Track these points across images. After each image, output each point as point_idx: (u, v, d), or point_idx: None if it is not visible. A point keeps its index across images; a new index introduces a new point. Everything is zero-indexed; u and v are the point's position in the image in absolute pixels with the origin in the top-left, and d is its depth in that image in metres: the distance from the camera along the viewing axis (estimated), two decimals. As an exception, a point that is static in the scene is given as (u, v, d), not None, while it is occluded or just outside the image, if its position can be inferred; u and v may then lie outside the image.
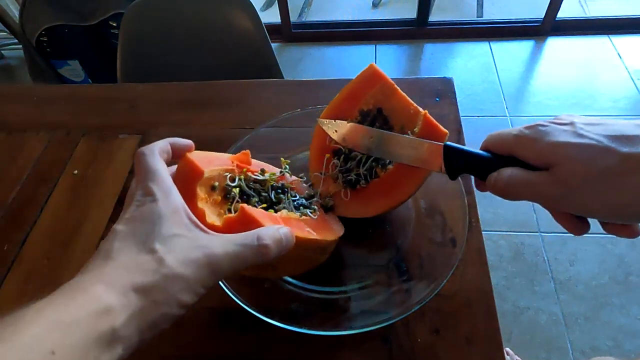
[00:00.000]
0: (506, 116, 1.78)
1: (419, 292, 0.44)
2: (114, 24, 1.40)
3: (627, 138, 0.29)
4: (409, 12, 2.19)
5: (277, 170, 0.48)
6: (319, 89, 0.75)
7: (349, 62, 2.12)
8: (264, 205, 0.41)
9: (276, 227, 0.33)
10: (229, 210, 0.39)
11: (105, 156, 0.66)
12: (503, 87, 1.90)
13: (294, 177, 0.50)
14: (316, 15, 2.43)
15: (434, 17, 2.18)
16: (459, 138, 0.63)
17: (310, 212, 0.45)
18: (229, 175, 0.41)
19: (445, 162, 0.40)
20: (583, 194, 0.30)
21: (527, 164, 0.33)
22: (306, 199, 0.47)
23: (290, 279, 0.49)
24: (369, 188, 0.48)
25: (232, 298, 0.43)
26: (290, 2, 2.09)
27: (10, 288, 0.52)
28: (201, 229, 0.31)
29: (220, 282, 0.43)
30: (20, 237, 0.57)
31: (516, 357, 1.10)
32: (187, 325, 0.47)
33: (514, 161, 0.34)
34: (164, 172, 0.32)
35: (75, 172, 0.65)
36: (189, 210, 0.32)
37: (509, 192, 0.34)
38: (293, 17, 2.21)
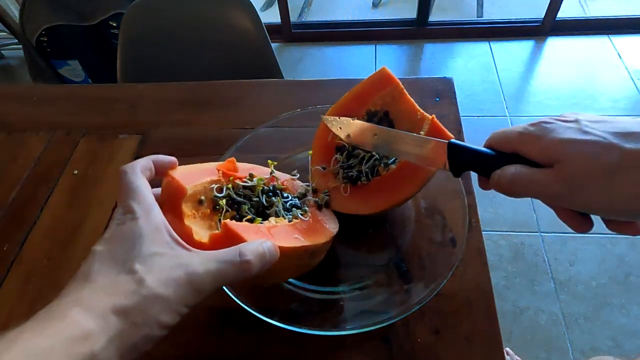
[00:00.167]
0: (506, 116, 1.78)
1: (419, 292, 0.44)
2: (114, 24, 1.40)
3: (631, 134, 0.29)
4: (409, 12, 2.19)
5: (267, 171, 0.47)
6: (319, 89, 0.75)
7: (349, 62, 2.12)
8: (251, 217, 0.41)
9: (259, 242, 0.33)
10: (220, 221, 0.39)
11: (105, 156, 0.66)
12: (503, 87, 1.90)
13: (285, 176, 0.50)
14: (316, 15, 2.43)
15: (434, 17, 2.18)
16: (459, 138, 0.63)
17: (301, 214, 0.44)
18: (215, 187, 0.41)
19: (450, 159, 0.40)
20: (587, 190, 0.30)
21: (531, 161, 0.33)
22: (299, 198, 0.47)
23: (290, 279, 0.49)
24: (369, 185, 0.48)
25: (232, 298, 0.43)
26: (290, 2, 2.09)
27: (10, 288, 0.52)
28: (183, 247, 0.31)
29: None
30: (20, 237, 0.57)
31: (516, 357, 1.10)
32: (187, 325, 0.47)
33: (517, 159, 0.34)
34: (146, 190, 0.32)
35: (75, 172, 0.65)
36: (170, 228, 0.31)
37: (512, 190, 0.34)
38: (293, 17, 2.21)
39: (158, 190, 0.38)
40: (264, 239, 0.34)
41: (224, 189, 0.42)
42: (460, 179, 0.49)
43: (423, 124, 0.46)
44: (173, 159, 0.38)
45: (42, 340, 0.23)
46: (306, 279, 0.48)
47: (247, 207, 0.42)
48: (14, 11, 1.97)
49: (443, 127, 0.44)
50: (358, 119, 0.48)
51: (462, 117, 0.65)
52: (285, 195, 0.46)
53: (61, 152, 0.67)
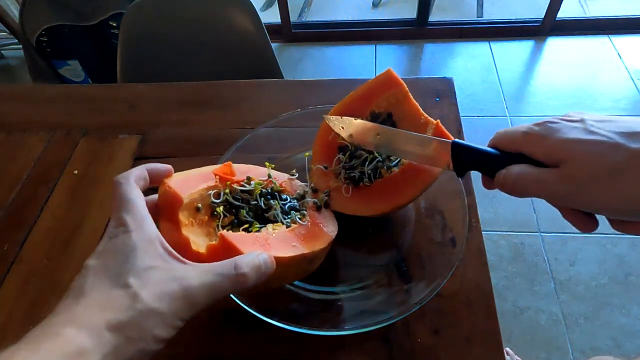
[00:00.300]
0: (506, 116, 1.78)
1: (419, 292, 0.44)
2: (114, 24, 1.40)
3: (637, 134, 0.29)
4: (409, 12, 2.19)
5: (264, 172, 0.47)
6: (319, 89, 0.75)
7: (349, 62, 2.12)
8: (250, 222, 0.41)
9: (255, 254, 0.33)
10: (218, 227, 0.39)
11: (105, 156, 0.66)
12: (503, 87, 1.90)
13: (284, 176, 0.49)
14: (316, 15, 2.43)
15: (434, 17, 2.18)
16: (459, 138, 0.62)
17: (300, 218, 0.44)
18: (212, 193, 0.41)
19: (454, 159, 0.40)
20: (593, 190, 0.30)
21: (536, 161, 0.33)
22: (297, 200, 0.47)
23: (290, 279, 0.48)
24: (371, 187, 0.48)
25: (232, 298, 0.43)
26: (290, 2, 2.09)
27: (10, 288, 0.52)
28: (177, 259, 0.30)
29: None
30: (20, 237, 0.57)
31: (516, 357, 1.10)
32: (187, 325, 0.47)
33: (522, 158, 0.34)
34: (139, 201, 0.32)
35: (75, 172, 0.65)
36: (163, 240, 0.31)
37: (517, 189, 0.34)
38: (293, 17, 2.21)
39: (155, 196, 0.37)
40: (261, 250, 0.34)
41: (221, 194, 0.41)
42: (460, 179, 0.49)
43: (427, 128, 0.46)
44: (168, 167, 0.38)
45: (36, 359, 0.23)
46: (306, 279, 0.48)
47: (245, 211, 0.42)
48: (14, 11, 1.97)
49: (448, 133, 0.44)
50: (362, 119, 0.48)
51: (462, 117, 0.65)
52: (283, 197, 0.46)
53: (61, 152, 0.67)
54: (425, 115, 0.47)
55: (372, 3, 2.43)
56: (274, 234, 0.39)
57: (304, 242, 0.41)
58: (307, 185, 0.50)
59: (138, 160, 0.65)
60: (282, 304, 0.47)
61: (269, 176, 0.47)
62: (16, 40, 2.16)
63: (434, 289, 0.43)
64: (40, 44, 1.38)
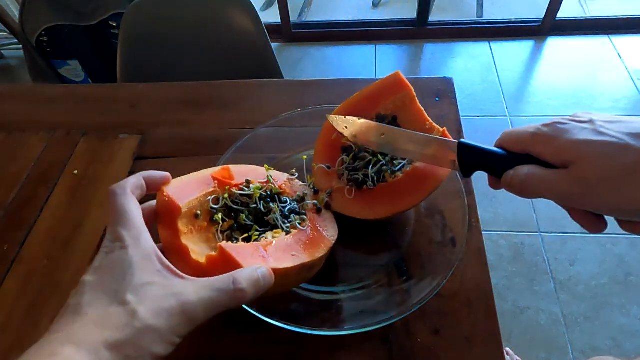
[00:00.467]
0: (506, 116, 1.78)
1: (419, 292, 0.44)
2: (114, 24, 1.40)
3: None
4: (409, 12, 2.19)
5: (264, 173, 0.47)
6: (319, 89, 0.75)
7: (349, 62, 2.12)
8: (249, 225, 0.41)
9: (254, 268, 0.33)
10: (217, 232, 0.39)
11: (105, 156, 0.66)
12: (503, 87, 1.90)
13: (283, 177, 0.49)
14: (316, 15, 2.43)
15: (434, 17, 2.18)
16: (459, 138, 0.63)
17: (299, 223, 0.43)
18: (211, 198, 0.41)
19: (459, 159, 0.40)
20: (602, 191, 0.30)
21: (544, 161, 0.33)
22: (298, 202, 0.46)
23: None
24: (374, 191, 0.47)
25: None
26: (290, 2, 2.09)
27: (10, 288, 0.52)
28: (175, 274, 0.30)
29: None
30: (20, 237, 0.57)
31: (516, 357, 1.10)
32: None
33: (529, 159, 0.34)
34: (135, 213, 0.32)
35: (75, 172, 0.65)
36: (160, 255, 0.31)
37: (526, 190, 0.34)
38: (293, 17, 2.21)
39: (153, 203, 0.37)
40: (259, 263, 0.34)
41: (220, 199, 0.41)
42: (460, 179, 0.49)
43: (432, 134, 0.45)
44: (166, 174, 0.38)
45: None
46: (306, 279, 0.48)
47: (244, 215, 0.42)
48: (14, 11, 1.97)
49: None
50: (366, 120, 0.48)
51: (462, 117, 0.65)
52: (283, 199, 0.46)
53: (61, 152, 0.67)
54: (431, 121, 0.47)
55: (372, 3, 2.43)
56: (273, 242, 0.39)
57: (304, 249, 0.40)
58: (307, 186, 0.50)
59: (138, 160, 0.65)
60: (282, 304, 0.46)
61: (268, 178, 0.47)
62: (16, 40, 2.16)
63: (434, 289, 0.43)
64: (40, 44, 1.38)
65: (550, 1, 1.98)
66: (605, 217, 0.33)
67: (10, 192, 0.62)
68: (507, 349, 1.13)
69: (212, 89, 0.76)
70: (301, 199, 0.47)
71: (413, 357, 0.44)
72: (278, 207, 0.44)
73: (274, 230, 0.42)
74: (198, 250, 0.37)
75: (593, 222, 0.33)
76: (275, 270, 0.34)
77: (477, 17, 2.28)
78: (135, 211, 0.32)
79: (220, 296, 0.30)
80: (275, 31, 2.19)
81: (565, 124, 0.33)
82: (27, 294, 0.51)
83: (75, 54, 1.45)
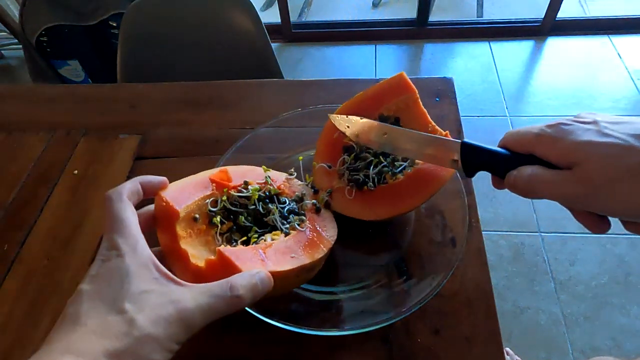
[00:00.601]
0: (506, 116, 1.78)
1: (419, 292, 0.44)
2: (114, 24, 1.40)
3: None
4: (409, 12, 2.19)
5: (262, 173, 0.47)
6: (319, 89, 0.75)
7: (349, 62, 2.12)
8: (248, 227, 0.41)
9: (253, 273, 0.33)
10: (216, 235, 0.39)
11: (105, 156, 0.66)
12: (503, 87, 1.90)
13: (281, 176, 0.49)
14: (316, 15, 2.43)
15: (434, 17, 2.18)
16: (459, 138, 0.63)
17: (298, 224, 0.43)
18: (209, 201, 0.41)
19: (463, 159, 0.40)
20: (607, 192, 0.30)
21: (547, 162, 0.33)
22: (297, 202, 0.46)
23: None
24: (375, 192, 0.47)
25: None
26: (290, 2, 2.09)
27: (10, 288, 0.52)
28: (172, 280, 0.30)
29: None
30: (20, 237, 0.57)
31: (516, 357, 1.10)
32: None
33: (532, 159, 0.34)
34: (131, 219, 0.32)
35: (75, 172, 0.65)
36: (157, 262, 0.31)
37: (529, 191, 0.34)
38: (293, 17, 2.21)
39: (151, 208, 0.37)
40: (258, 267, 0.34)
41: (219, 201, 0.41)
42: (460, 179, 0.49)
43: None
44: (163, 179, 0.38)
45: None
46: (306, 279, 0.48)
47: (243, 217, 0.42)
48: (14, 11, 1.97)
49: None
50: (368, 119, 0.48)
51: (462, 117, 0.65)
52: (282, 200, 0.45)
53: (61, 152, 0.67)
54: (434, 124, 0.47)
55: (372, 3, 2.43)
56: (272, 245, 0.39)
57: (303, 251, 0.40)
58: (306, 186, 0.50)
59: (138, 160, 0.65)
60: (282, 304, 0.46)
61: (267, 179, 0.46)
62: (16, 40, 2.16)
63: (434, 289, 0.43)
64: (40, 44, 1.38)
65: (550, 1, 1.98)
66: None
67: (10, 192, 0.62)
68: (507, 349, 1.13)
69: (212, 89, 0.76)
70: (300, 199, 0.47)
71: (413, 357, 0.44)
72: (277, 208, 0.44)
73: (273, 232, 0.42)
74: (197, 254, 0.37)
75: (596, 222, 0.33)
76: (274, 273, 0.34)
77: (477, 17, 2.28)
78: (131, 218, 0.32)
79: (217, 302, 0.30)
80: (275, 31, 2.19)
81: (570, 125, 0.32)
82: (27, 294, 0.51)
83: (75, 54, 1.45)
